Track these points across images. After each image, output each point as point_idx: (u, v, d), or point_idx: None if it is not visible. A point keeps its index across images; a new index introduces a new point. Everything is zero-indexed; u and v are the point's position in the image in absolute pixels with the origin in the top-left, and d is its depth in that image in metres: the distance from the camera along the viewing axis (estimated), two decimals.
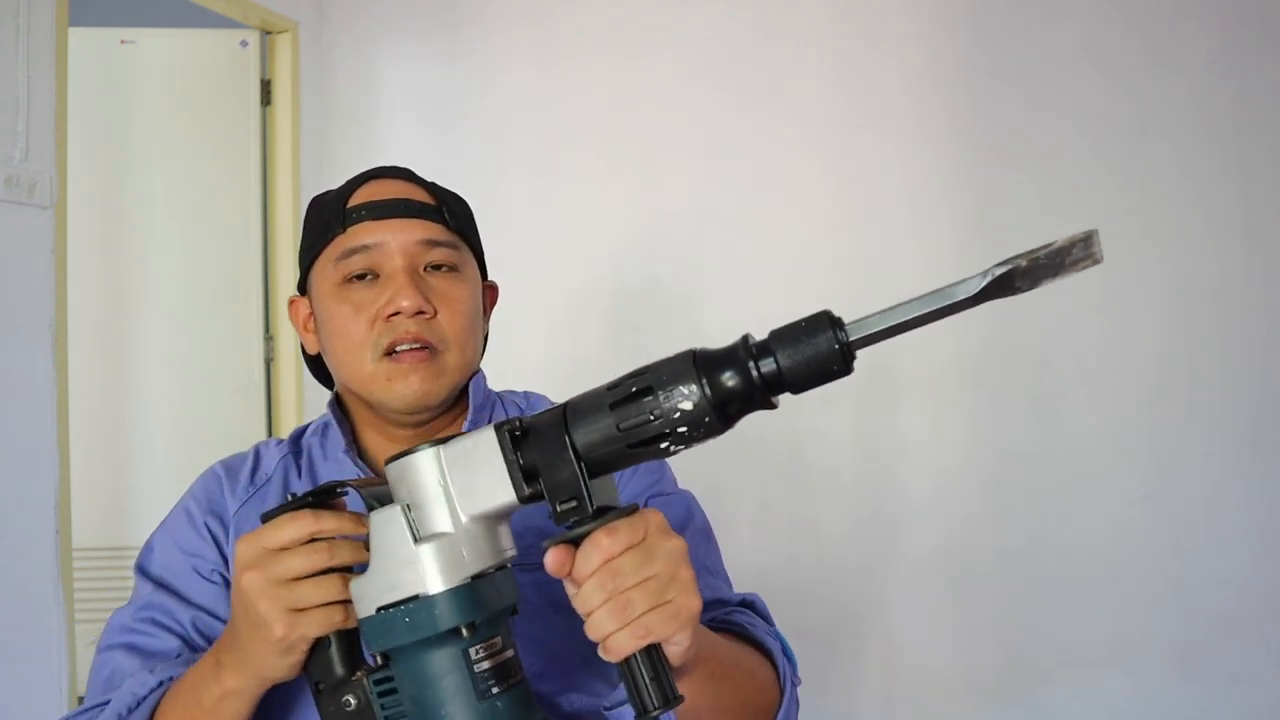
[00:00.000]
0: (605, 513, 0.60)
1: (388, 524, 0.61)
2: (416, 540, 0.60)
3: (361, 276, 0.90)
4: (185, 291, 2.95)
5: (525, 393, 1.04)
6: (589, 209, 2.69)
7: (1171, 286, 2.34)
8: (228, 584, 0.88)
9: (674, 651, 0.61)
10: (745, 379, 0.56)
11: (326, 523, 0.67)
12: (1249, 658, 2.27)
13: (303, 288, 0.98)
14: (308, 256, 0.95)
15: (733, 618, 0.86)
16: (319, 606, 0.66)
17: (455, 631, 0.60)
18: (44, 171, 2.04)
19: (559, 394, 1.04)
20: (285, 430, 2.91)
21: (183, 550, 0.91)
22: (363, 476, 0.90)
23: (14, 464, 1.99)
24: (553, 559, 0.60)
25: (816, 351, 0.55)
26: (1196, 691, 2.29)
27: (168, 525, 0.94)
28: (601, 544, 0.58)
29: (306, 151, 2.93)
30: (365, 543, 0.65)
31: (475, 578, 0.61)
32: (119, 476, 2.93)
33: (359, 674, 0.67)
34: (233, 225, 2.94)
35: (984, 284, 0.51)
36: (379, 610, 0.61)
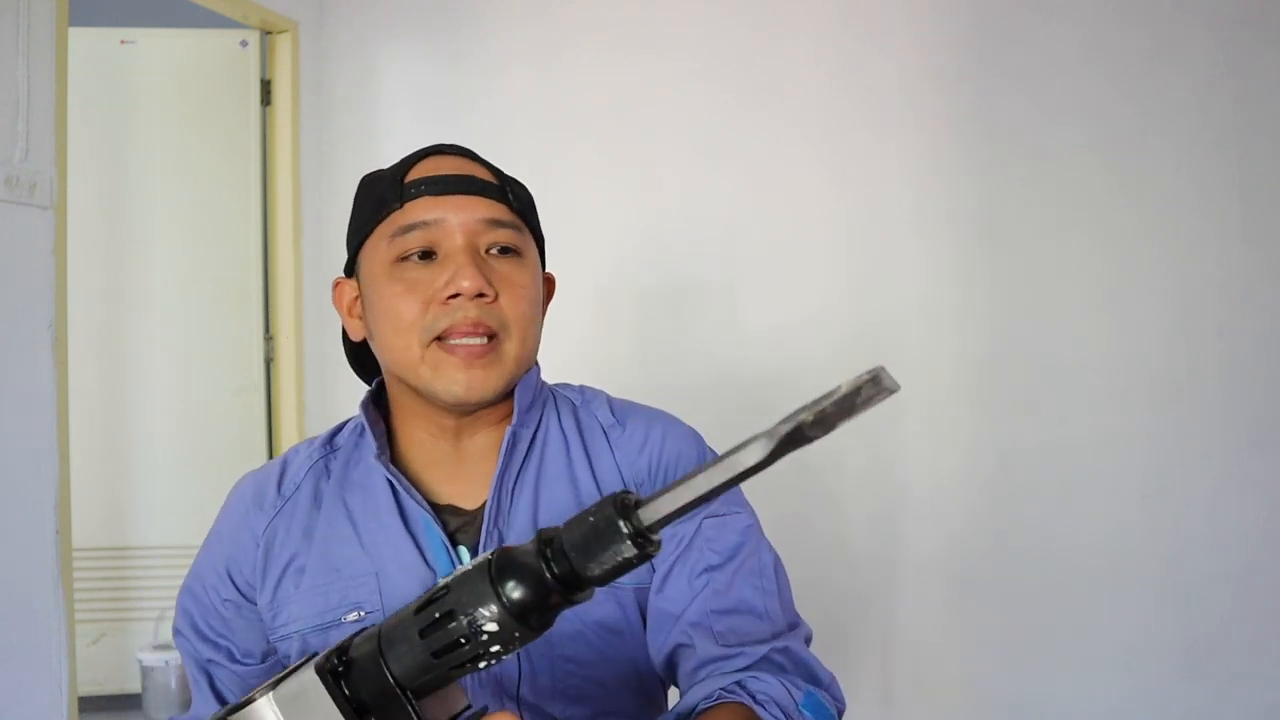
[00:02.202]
0: None
1: None
2: None
3: (419, 255, 0.84)
4: (185, 291, 2.95)
5: (580, 387, 0.98)
6: (589, 208, 2.69)
7: (1172, 286, 2.34)
8: (247, 603, 0.89)
9: None
10: (539, 588, 0.52)
11: None
12: (1249, 658, 2.27)
13: (350, 270, 0.91)
14: (358, 236, 0.89)
15: (747, 685, 0.79)
16: None
17: None
18: (44, 171, 2.04)
19: None
20: (285, 430, 2.91)
21: (204, 585, 0.91)
22: (399, 483, 0.86)
23: (14, 464, 1.99)
24: None
25: (608, 544, 0.50)
26: (1197, 691, 2.29)
27: (203, 550, 0.93)
28: None
29: (306, 151, 2.93)
30: None
31: None
32: (119, 476, 2.93)
33: None
34: (233, 225, 2.94)
35: (771, 447, 0.45)
36: None
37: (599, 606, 0.83)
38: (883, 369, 0.44)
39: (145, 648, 2.78)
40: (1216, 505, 2.30)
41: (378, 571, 0.84)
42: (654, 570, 0.85)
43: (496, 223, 0.85)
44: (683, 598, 0.83)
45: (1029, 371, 2.43)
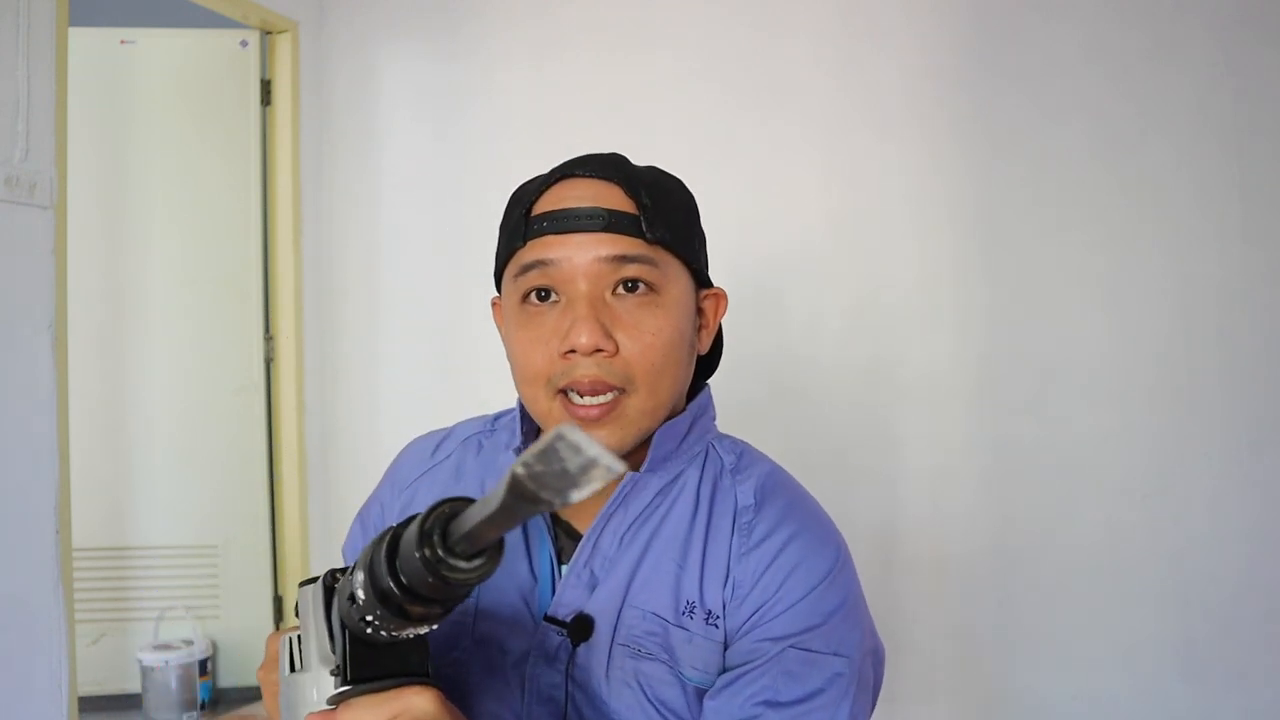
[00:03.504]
0: (372, 681, 0.58)
1: (282, 649, 0.65)
2: (291, 670, 0.64)
3: (542, 296, 0.80)
4: (185, 291, 2.95)
5: (743, 450, 0.89)
6: None
7: (1172, 286, 2.34)
8: None
9: None
10: (383, 584, 0.50)
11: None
12: (1249, 658, 2.27)
13: (499, 287, 0.89)
14: (498, 263, 0.86)
15: None
16: None
17: None
18: (44, 171, 2.04)
19: None
20: (285, 430, 2.91)
21: (363, 516, 0.95)
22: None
23: (14, 464, 1.99)
24: None
25: (420, 574, 0.48)
26: (1196, 691, 2.29)
27: (378, 485, 0.96)
28: (340, 717, 0.58)
29: (306, 151, 2.93)
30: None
31: None
32: (119, 476, 2.93)
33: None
34: (233, 225, 2.94)
35: (502, 496, 0.40)
36: None
37: (668, 688, 0.78)
38: (568, 428, 0.37)
39: (145, 648, 2.78)
40: (1216, 505, 2.30)
41: None
42: (724, 668, 0.78)
43: (625, 259, 0.79)
44: (724, 716, 0.76)
45: (1029, 371, 2.43)
